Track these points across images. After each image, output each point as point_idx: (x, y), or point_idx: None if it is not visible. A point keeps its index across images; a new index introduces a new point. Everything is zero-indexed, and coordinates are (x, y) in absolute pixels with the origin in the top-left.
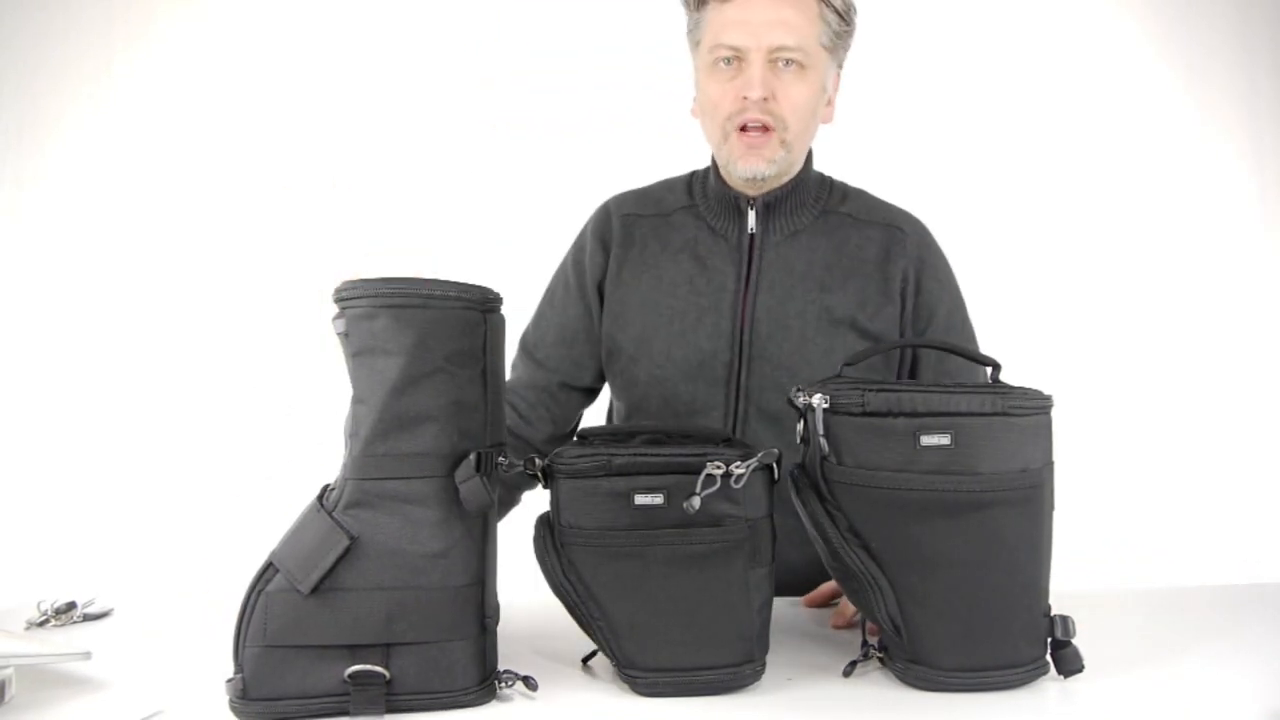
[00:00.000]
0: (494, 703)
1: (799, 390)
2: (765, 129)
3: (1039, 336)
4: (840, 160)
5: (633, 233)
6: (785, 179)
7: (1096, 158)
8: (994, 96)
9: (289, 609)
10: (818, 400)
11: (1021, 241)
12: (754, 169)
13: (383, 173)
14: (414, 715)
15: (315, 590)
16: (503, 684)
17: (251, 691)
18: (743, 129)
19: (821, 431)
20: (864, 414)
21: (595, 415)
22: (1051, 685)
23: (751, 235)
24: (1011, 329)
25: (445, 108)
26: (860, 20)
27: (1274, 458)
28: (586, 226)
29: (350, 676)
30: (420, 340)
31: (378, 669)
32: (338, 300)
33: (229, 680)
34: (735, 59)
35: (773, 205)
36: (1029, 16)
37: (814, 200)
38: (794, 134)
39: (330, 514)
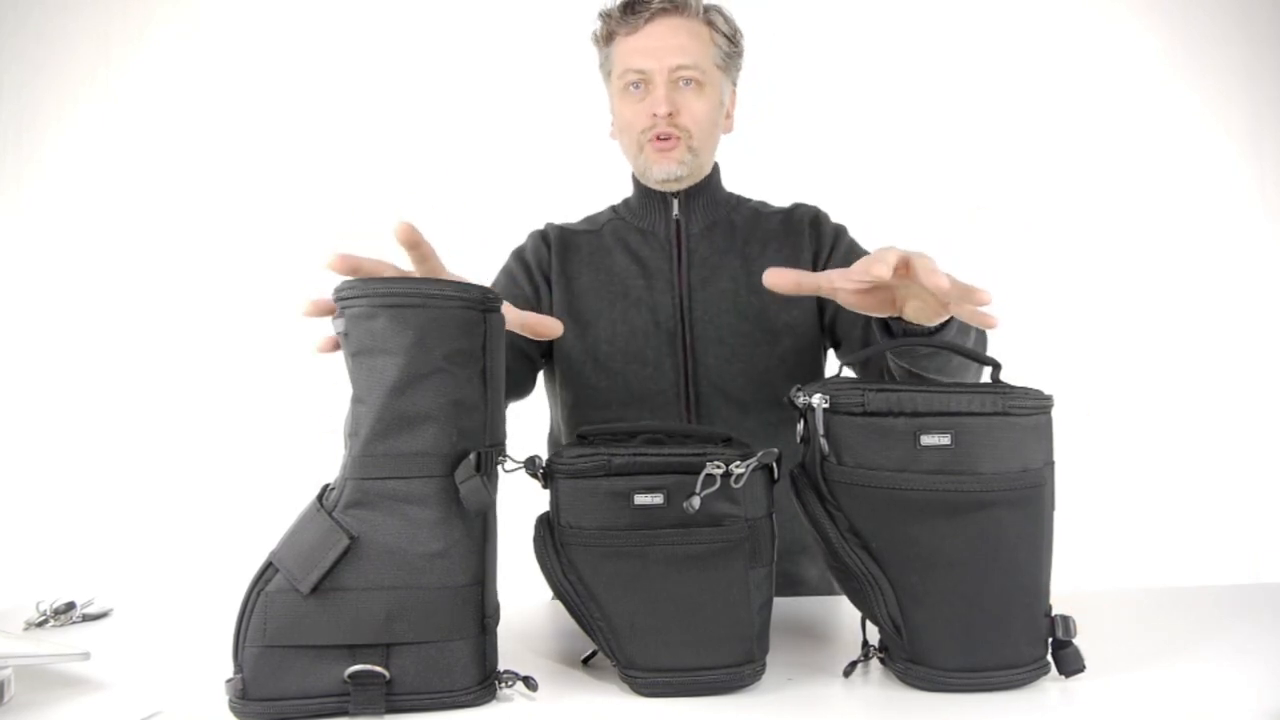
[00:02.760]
0: (494, 703)
1: (799, 390)
2: (674, 138)
3: (1039, 336)
4: (844, 156)
5: (569, 240)
6: (698, 179)
7: (1096, 156)
8: (995, 93)
9: (289, 609)
10: (818, 400)
11: (1021, 240)
12: (667, 169)
13: (380, 170)
14: (414, 715)
15: (315, 590)
16: (503, 684)
17: (251, 692)
18: (655, 139)
19: (822, 431)
20: (864, 414)
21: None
22: (1052, 685)
23: (677, 221)
24: (1011, 329)
25: (440, 106)
26: (861, 19)
27: (1274, 458)
28: (524, 241)
29: (350, 676)
30: (419, 340)
31: (377, 669)
32: (337, 300)
33: (228, 680)
34: (643, 82)
35: (693, 195)
36: (1030, 12)
37: (724, 200)
38: (698, 141)
39: (330, 514)
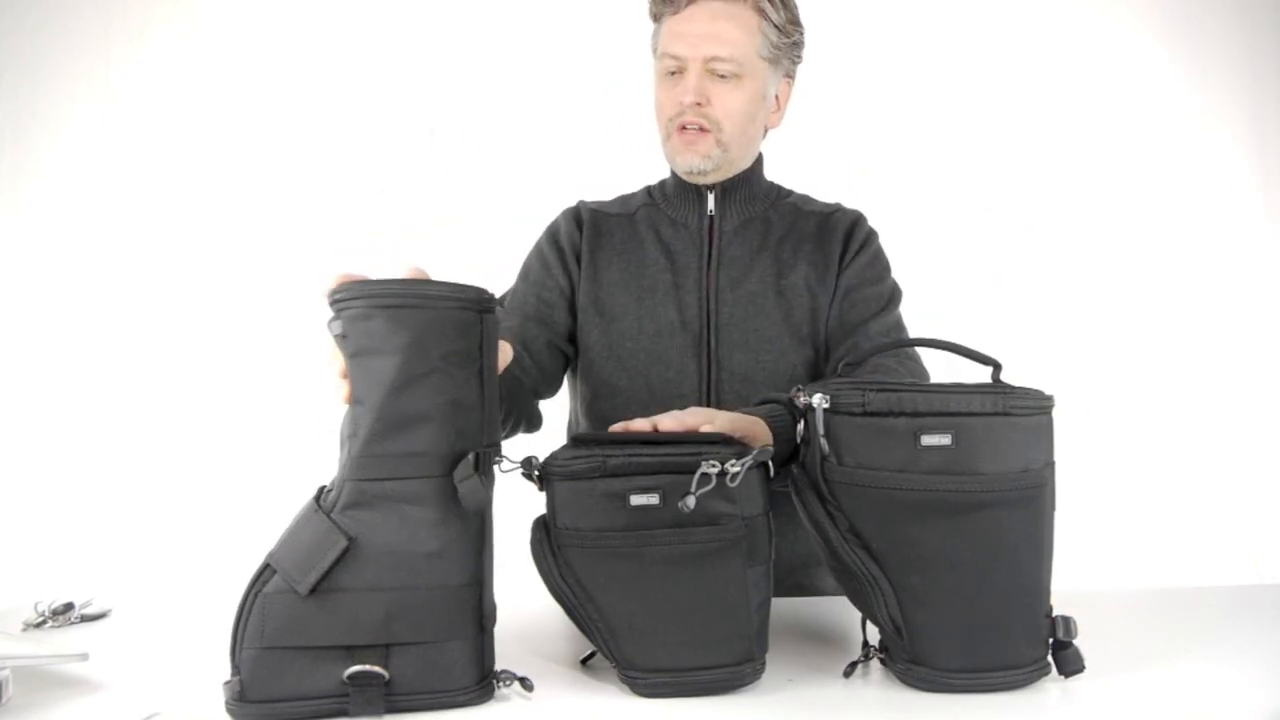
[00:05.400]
0: (493, 703)
1: (799, 390)
2: (702, 129)
3: (1039, 336)
4: (842, 157)
5: (600, 225)
6: (732, 173)
7: (1096, 157)
8: (995, 91)
9: (287, 610)
10: (818, 400)
11: (1021, 239)
12: (690, 162)
13: (381, 169)
14: (413, 715)
15: (313, 591)
16: (500, 683)
17: (249, 694)
18: (682, 128)
19: (822, 431)
20: (864, 414)
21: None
22: (1053, 686)
23: (711, 218)
24: (1011, 329)
25: (444, 103)
26: (866, 21)
27: (1274, 458)
28: (557, 218)
29: (349, 677)
30: (416, 340)
31: (377, 669)
32: (333, 302)
33: (226, 682)
34: (678, 69)
35: (730, 190)
36: (1033, 14)
37: (764, 194)
38: (729, 135)
39: (328, 515)
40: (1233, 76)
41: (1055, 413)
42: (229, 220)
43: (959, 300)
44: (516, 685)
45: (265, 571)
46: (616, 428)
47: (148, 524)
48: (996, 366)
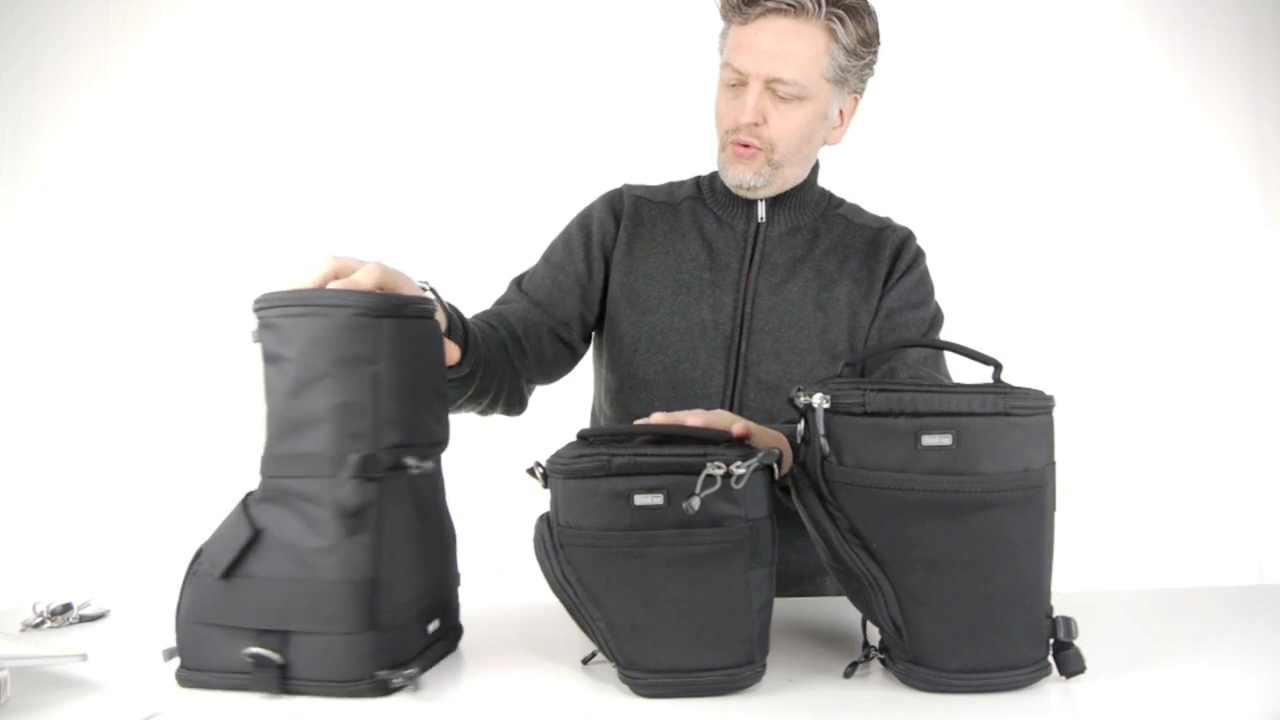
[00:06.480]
0: (486, 703)
1: (799, 390)
2: (754, 148)
3: (1039, 336)
4: (843, 159)
5: (642, 213)
6: (784, 189)
7: (1096, 155)
8: (996, 92)
9: (208, 591)
10: (818, 400)
11: (1022, 240)
12: (740, 177)
13: (378, 170)
14: (320, 699)
15: (227, 575)
16: (396, 680)
17: (185, 661)
18: (735, 144)
19: (822, 431)
20: (865, 414)
21: (581, 403)
22: (1053, 686)
23: (759, 224)
24: (1011, 329)
25: (439, 106)
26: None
27: (1274, 458)
28: (595, 201)
29: (249, 656)
30: (309, 346)
31: (267, 653)
32: (255, 310)
33: (165, 649)
34: (739, 82)
35: (781, 199)
36: (1031, 10)
37: (815, 203)
38: (781, 156)
39: (246, 507)
40: (1233, 77)
41: (1055, 413)
42: (228, 221)
43: (960, 300)
44: (411, 686)
45: (200, 555)
46: (641, 423)
47: (147, 524)
48: (997, 366)
